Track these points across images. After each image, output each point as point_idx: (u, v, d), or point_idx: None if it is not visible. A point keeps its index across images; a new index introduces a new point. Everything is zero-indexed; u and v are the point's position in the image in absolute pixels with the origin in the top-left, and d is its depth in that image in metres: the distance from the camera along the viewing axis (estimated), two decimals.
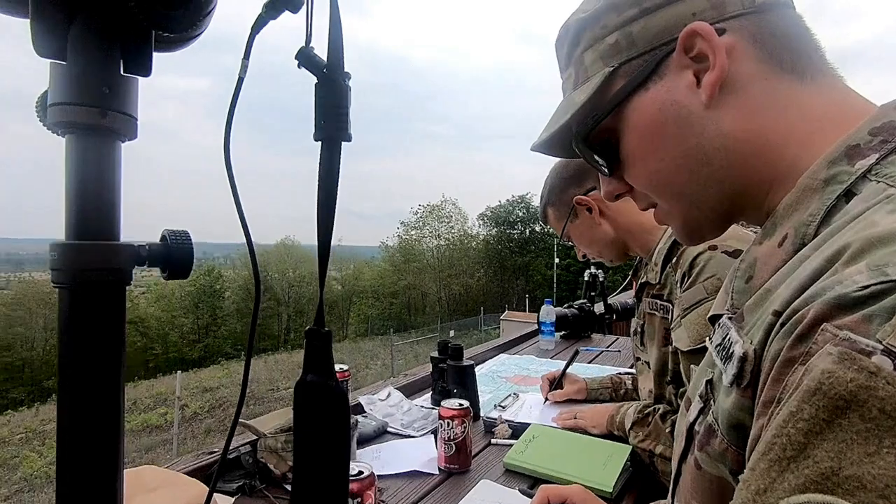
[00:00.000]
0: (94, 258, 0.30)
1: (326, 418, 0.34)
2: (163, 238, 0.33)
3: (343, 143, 0.33)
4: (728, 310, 0.45)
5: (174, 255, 0.33)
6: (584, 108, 0.48)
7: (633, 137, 0.48)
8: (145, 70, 0.32)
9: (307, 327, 0.33)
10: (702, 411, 0.44)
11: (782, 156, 0.43)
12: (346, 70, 0.32)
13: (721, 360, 0.41)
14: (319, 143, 0.33)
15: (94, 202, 0.30)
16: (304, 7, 0.32)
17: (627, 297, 3.15)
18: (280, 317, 31.93)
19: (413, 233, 35.03)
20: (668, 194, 0.49)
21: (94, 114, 0.29)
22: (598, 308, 2.57)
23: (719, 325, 0.45)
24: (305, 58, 0.31)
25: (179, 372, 14.25)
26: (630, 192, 0.53)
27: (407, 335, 24.53)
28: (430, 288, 32.87)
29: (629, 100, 0.46)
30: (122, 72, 0.31)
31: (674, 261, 1.00)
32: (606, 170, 0.52)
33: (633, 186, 0.52)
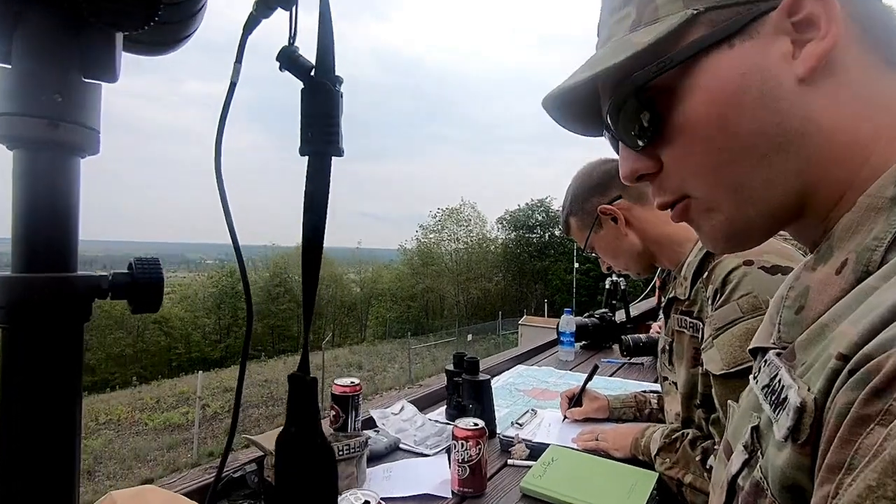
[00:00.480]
0: (44, 293, 0.26)
1: (312, 476, 0.29)
2: (129, 266, 0.29)
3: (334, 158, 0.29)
4: (774, 343, 0.39)
5: (141, 285, 0.29)
6: (647, 51, 0.38)
7: (700, 103, 0.38)
8: (109, 75, 0.28)
9: (290, 372, 0.28)
10: (746, 463, 0.39)
11: (867, 159, 0.36)
12: (337, 74, 0.28)
13: (770, 405, 0.35)
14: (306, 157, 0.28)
15: (44, 228, 0.26)
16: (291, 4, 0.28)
17: (649, 304, 3.05)
18: (299, 318, 32.22)
19: (431, 236, 35.00)
20: (724, 183, 0.39)
21: (42, 126, 0.25)
22: (620, 316, 2.49)
23: (766, 361, 0.39)
24: (288, 59, 0.27)
25: (201, 372, 14.44)
26: (655, 175, 0.43)
27: (425, 339, 24.50)
28: (449, 291, 32.76)
29: (706, 55, 0.37)
30: (82, 77, 0.27)
31: (705, 276, 0.93)
32: (641, 141, 0.42)
33: (664, 167, 0.42)
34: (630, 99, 0.40)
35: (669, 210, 0.45)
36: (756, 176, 0.38)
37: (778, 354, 0.37)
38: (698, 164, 0.40)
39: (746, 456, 0.39)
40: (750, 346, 0.45)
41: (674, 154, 0.41)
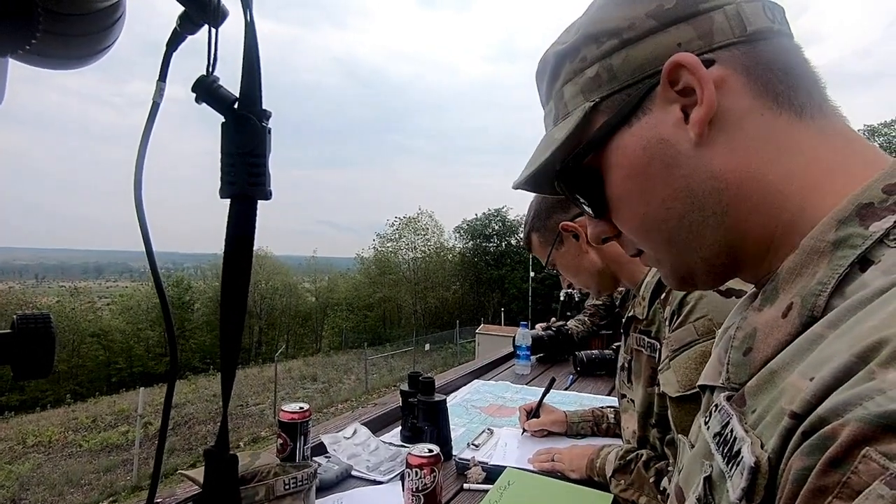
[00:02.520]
0: None
1: None
2: (12, 325, 0.24)
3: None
4: (723, 383, 0.39)
5: (26, 347, 0.24)
6: (565, 145, 0.44)
7: (618, 178, 0.43)
8: None
9: (207, 447, 0.24)
10: None
11: (784, 205, 0.38)
12: (264, 108, 0.24)
13: (723, 457, 0.35)
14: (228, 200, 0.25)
15: None
16: (207, 26, 0.24)
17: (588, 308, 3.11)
18: (251, 329, 31.11)
19: (389, 245, 34.69)
20: (657, 240, 0.44)
21: None
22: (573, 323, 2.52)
23: (716, 406, 0.39)
24: (205, 90, 0.23)
25: (142, 388, 13.55)
26: (618, 235, 0.48)
27: (382, 348, 24.17)
28: (406, 301, 32.52)
29: (612, 137, 0.42)
30: None
31: (662, 297, 0.94)
32: (592, 212, 0.48)
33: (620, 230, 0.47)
34: (563, 185, 0.47)
35: None
36: (682, 233, 0.41)
37: (728, 398, 0.37)
38: (635, 227, 0.44)
39: None
40: (698, 383, 0.45)
41: (617, 221, 0.46)
